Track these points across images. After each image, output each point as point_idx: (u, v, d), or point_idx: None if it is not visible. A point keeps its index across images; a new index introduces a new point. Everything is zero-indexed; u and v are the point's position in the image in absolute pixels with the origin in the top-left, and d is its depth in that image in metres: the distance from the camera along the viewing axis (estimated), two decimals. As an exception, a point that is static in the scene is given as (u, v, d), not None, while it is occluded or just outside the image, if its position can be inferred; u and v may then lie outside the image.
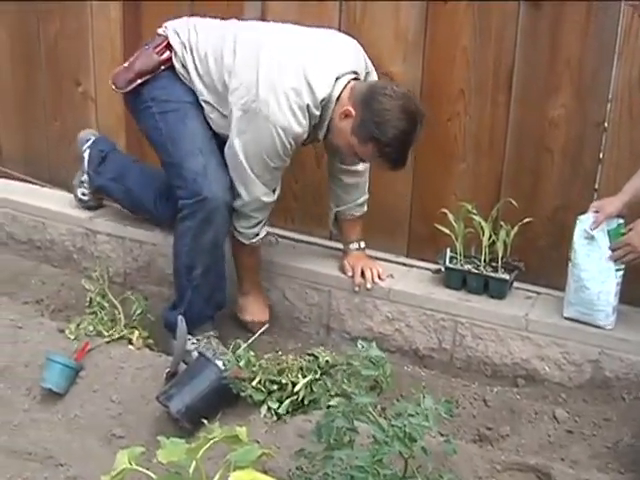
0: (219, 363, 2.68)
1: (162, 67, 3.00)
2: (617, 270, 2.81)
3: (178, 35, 3.00)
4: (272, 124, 2.73)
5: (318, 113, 2.78)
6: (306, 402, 2.64)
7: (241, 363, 2.64)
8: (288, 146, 2.79)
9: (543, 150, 3.04)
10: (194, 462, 1.91)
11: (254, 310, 3.24)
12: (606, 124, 2.93)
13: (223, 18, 3.11)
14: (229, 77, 2.84)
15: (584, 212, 2.85)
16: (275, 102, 2.71)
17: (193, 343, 3.09)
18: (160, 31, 3.07)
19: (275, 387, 2.66)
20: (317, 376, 2.66)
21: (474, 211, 2.98)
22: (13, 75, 4.03)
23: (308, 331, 3.30)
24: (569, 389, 2.91)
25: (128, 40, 3.63)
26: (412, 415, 1.95)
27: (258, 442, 2.52)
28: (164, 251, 3.50)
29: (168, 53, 3.00)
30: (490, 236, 2.99)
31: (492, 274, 3.01)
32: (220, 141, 2.97)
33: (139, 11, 3.60)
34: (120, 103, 3.35)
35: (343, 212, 3.22)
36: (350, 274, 3.17)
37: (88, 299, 3.25)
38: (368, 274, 3.14)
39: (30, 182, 4.06)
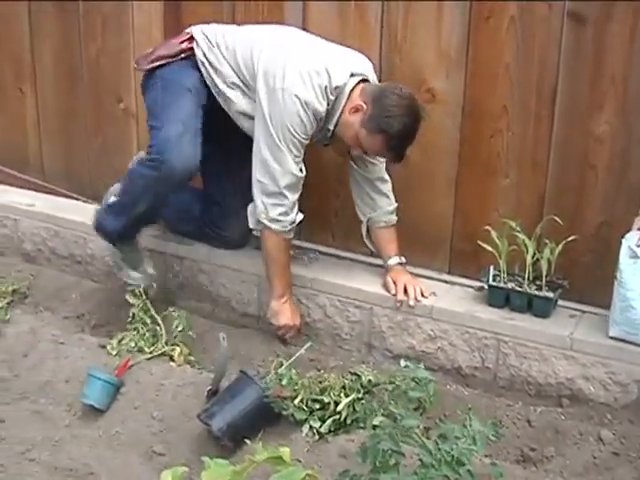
0: (261, 382, 2.68)
1: (182, 55, 3.23)
2: (664, 290, 2.77)
3: (203, 32, 3.24)
4: (297, 97, 2.94)
5: (333, 97, 2.99)
6: (348, 421, 2.63)
7: (283, 381, 2.63)
8: (311, 119, 2.98)
9: (587, 167, 3.00)
10: (238, 484, 1.90)
11: (288, 314, 3.25)
12: (651, 140, 2.90)
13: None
14: (257, 64, 3.06)
15: (629, 229, 2.81)
16: (300, 80, 2.95)
17: (119, 252, 3.40)
18: (187, 30, 3.28)
19: (317, 406, 2.65)
20: (360, 395, 2.65)
21: (518, 228, 2.94)
22: (56, 92, 4.07)
23: (349, 348, 3.27)
24: (615, 410, 2.86)
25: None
26: (459, 437, 1.92)
27: (300, 462, 2.52)
28: (205, 267, 3.53)
29: (189, 44, 3.23)
30: (534, 254, 2.96)
31: (536, 292, 2.97)
32: (224, 133, 3.23)
33: (179, 30, 3.61)
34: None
35: (373, 221, 3.26)
36: (393, 291, 3.16)
37: (130, 315, 3.27)
38: (411, 291, 3.13)
39: (72, 197, 4.10)
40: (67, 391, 3.04)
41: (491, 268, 3.05)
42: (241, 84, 3.15)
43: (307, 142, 3.05)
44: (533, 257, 2.97)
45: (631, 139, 2.92)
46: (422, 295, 3.14)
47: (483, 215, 3.16)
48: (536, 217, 3.05)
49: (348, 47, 3.16)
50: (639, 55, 2.83)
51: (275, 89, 2.98)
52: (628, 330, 2.82)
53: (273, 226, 3.10)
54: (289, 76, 2.96)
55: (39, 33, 4.05)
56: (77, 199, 4.08)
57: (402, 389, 2.21)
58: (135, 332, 3.22)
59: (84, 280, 3.75)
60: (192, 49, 3.22)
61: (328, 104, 3.00)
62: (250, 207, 3.16)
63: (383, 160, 3.19)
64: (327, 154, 3.38)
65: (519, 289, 2.99)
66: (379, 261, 3.34)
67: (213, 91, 3.22)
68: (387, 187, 3.26)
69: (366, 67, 3.11)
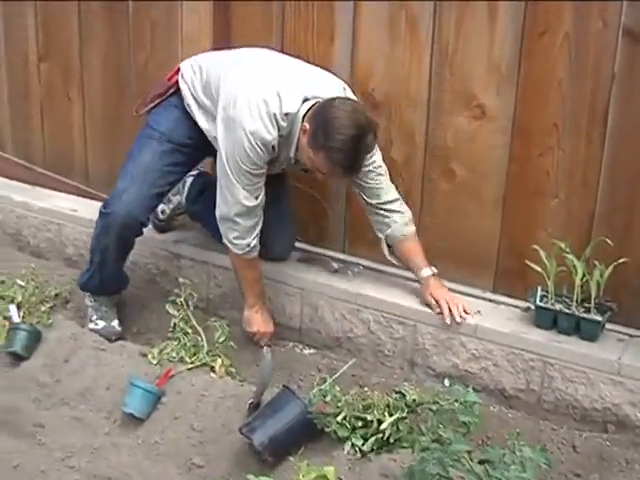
0: (304, 397, 2.67)
1: (171, 90, 3.39)
2: None
3: (190, 63, 3.37)
4: (243, 129, 2.99)
5: (285, 124, 3.01)
6: (391, 440, 2.61)
7: (327, 398, 2.61)
8: (258, 150, 3.00)
9: (638, 187, 2.95)
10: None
11: (259, 322, 3.36)
12: None
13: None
14: (221, 90, 3.14)
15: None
16: (248, 110, 2.99)
17: (90, 300, 3.53)
18: (180, 64, 3.42)
19: (360, 424, 2.64)
20: (404, 414, 2.62)
21: (567, 249, 2.90)
22: (103, 99, 4.09)
23: (392, 365, 3.24)
24: (662, 438, 2.82)
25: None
26: (507, 464, 1.89)
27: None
28: (248, 279, 3.51)
29: (176, 77, 3.37)
30: (583, 275, 2.91)
31: (584, 315, 2.92)
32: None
33: (229, 40, 3.62)
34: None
35: (391, 238, 3.23)
36: (438, 310, 3.12)
37: (172, 324, 3.27)
38: (455, 310, 3.09)
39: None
40: (107, 398, 3.05)
41: (539, 288, 3.00)
42: (212, 109, 3.23)
43: (261, 171, 3.08)
44: (582, 279, 2.92)
45: (685, 159, 2.88)
46: (465, 312, 3.11)
47: (531, 234, 3.11)
48: (585, 238, 3.00)
49: (318, 67, 3.24)
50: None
51: (226, 118, 3.07)
52: (678, 356, 2.77)
53: (231, 247, 3.23)
54: (238, 106, 3.02)
55: (88, 40, 4.07)
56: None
57: (447, 410, 2.18)
58: (176, 342, 3.23)
59: (133, 288, 3.74)
60: (177, 82, 3.36)
61: (280, 131, 3.01)
62: None
63: (381, 182, 3.17)
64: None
65: (567, 311, 2.95)
66: (424, 277, 3.31)
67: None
68: (396, 205, 3.21)
69: (326, 89, 3.07)
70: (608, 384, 2.85)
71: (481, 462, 2.06)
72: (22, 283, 3.65)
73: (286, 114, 2.99)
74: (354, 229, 3.51)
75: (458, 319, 3.08)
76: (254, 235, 3.20)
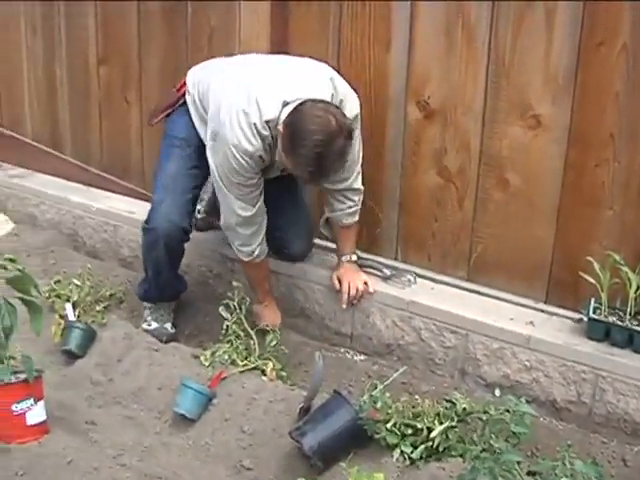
0: (354, 403, 2.67)
1: (180, 101, 3.47)
2: None
3: (193, 74, 3.45)
4: (225, 143, 3.03)
5: (267, 133, 3.02)
6: (441, 449, 2.60)
7: (377, 404, 2.62)
8: (243, 162, 3.03)
9: (694, 200, 2.93)
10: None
11: (267, 315, 3.49)
12: None
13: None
14: (210, 103, 3.21)
15: None
16: (228, 123, 3.02)
17: (149, 304, 3.61)
18: (189, 72, 3.50)
19: (409, 431, 2.63)
20: (454, 423, 2.61)
21: (622, 262, 2.88)
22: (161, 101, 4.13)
23: (442, 374, 3.24)
24: None
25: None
26: (558, 476, 1.88)
27: (390, 486, 2.51)
28: (301, 284, 3.56)
29: (183, 90, 3.45)
30: (637, 288, 2.88)
31: (637, 328, 2.89)
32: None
33: (286, 43, 3.65)
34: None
35: (335, 219, 3.40)
36: (337, 288, 3.38)
37: (224, 327, 3.30)
38: (352, 292, 3.35)
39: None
40: (159, 398, 3.08)
41: (592, 300, 2.98)
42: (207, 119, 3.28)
43: (252, 181, 3.12)
44: (636, 291, 2.89)
45: None
46: (362, 289, 3.35)
47: (585, 245, 3.09)
48: (640, 249, 2.98)
49: (306, 60, 3.27)
50: None
51: (212, 132, 3.13)
52: None
53: (237, 253, 3.37)
54: (221, 119, 3.06)
55: (147, 43, 4.13)
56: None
57: (499, 420, 2.18)
58: (228, 345, 3.25)
59: (188, 291, 3.78)
60: (184, 94, 3.45)
61: (263, 139, 3.02)
62: None
63: (352, 171, 3.26)
64: (427, 178, 3.37)
65: (620, 324, 2.92)
66: (476, 286, 3.34)
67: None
68: (354, 194, 3.35)
69: (309, 88, 3.04)
70: (660, 398, 2.82)
71: (530, 473, 2.06)
72: (78, 283, 3.70)
73: (267, 121, 3.00)
74: (407, 236, 3.52)
75: (344, 305, 3.38)
76: (257, 242, 3.29)
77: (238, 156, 3.02)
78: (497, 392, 2.48)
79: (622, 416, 2.90)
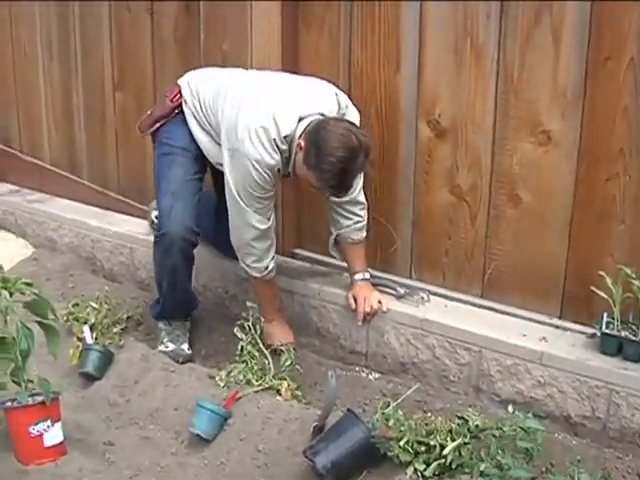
0: (367, 421, 2.68)
1: (175, 111, 3.52)
2: None
3: (189, 86, 3.50)
4: (248, 158, 3.12)
5: (285, 147, 3.14)
6: (454, 466, 2.59)
7: (390, 422, 2.62)
8: (265, 176, 3.14)
9: None
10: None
11: (279, 334, 3.50)
12: None
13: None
14: (221, 121, 3.29)
15: None
16: (249, 140, 3.11)
17: (164, 324, 3.61)
18: (179, 81, 3.57)
19: (423, 448, 2.63)
20: (466, 440, 2.61)
21: (634, 275, 2.87)
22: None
23: (456, 391, 3.24)
24: None
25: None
26: (567, 491, 1.88)
27: (403, 504, 2.51)
28: (315, 303, 3.57)
29: (179, 99, 3.50)
30: (650, 302, 2.88)
31: (650, 342, 2.89)
32: (214, 179, 3.59)
33: (298, 65, 3.69)
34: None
35: (342, 237, 3.44)
36: (353, 307, 3.38)
37: (239, 348, 3.31)
38: (367, 309, 3.37)
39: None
40: (175, 419, 3.10)
41: (604, 315, 2.98)
42: (212, 131, 3.40)
43: (271, 193, 3.24)
44: (649, 306, 2.89)
45: None
46: (376, 307, 3.37)
47: (597, 260, 3.08)
48: (652, 263, 2.97)
49: (307, 77, 3.42)
50: None
51: (231, 149, 3.20)
52: None
53: (249, 271, 3.41)
54: (240, 136, 3.14)
55: (161, 70, 4.19)
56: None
57: (510, 437, 2.17)
58: (243, 365, 3.26)
59: (195, 310, 3.81)
60: (180, 104, 3.51)
61: (281, 153, 3.15)
62: None
63: (357, 185, 3.32)
64: (439, 196, 3.38)
65: (633, 338, 2.91)
66: (491, 303, 3.34)
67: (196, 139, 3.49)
68: (358, 208, 3.41)
69: (319, 103, 3.21)
70: (675, 413, 2.81)
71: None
72: (95, 305, 3.73)
73: (285, 137, 3.13)
74: (421, 254, 3.53)
75: (360, 323, 3.39)
76: (271, 257, 3.37)
77: (261, 170, 3.12)
78: (510, 408, 2.46)
79: (637, 430, 2.88)
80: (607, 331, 2.95)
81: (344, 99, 3.29)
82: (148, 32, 4.18)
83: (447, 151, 3.34)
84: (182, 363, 3.46)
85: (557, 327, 3.19)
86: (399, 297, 3.43)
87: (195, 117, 3.46)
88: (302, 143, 3.10)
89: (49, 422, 2.77)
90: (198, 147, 3.48)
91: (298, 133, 3.13)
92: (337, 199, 3.30)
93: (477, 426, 2.65)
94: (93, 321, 3.63)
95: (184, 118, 3.50)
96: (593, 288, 2.98)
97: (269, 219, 3.29)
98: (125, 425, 3.10)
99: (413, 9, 3.31)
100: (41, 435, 2.76)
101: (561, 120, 3.07)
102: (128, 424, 3.11)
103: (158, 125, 3.57)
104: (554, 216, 3.16)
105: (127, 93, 4.35)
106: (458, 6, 3.20)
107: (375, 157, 3.54)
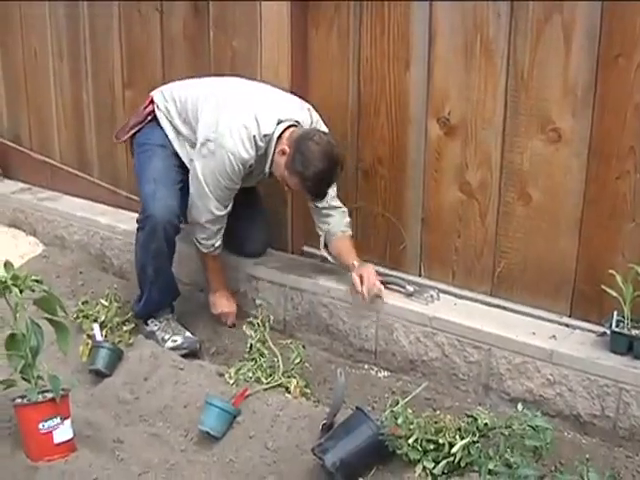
0: (376, 419, 2.68)
1: (149, 117, 3.71)
2: None
3: (162, 93, 3.72)
4: (225, 150, 3.36)
5: (263, 145, 3.39)
6: (462, 464, 2.59)
7: (399, 420, 2.62)
8: (236, 168, 3.38)
9: None
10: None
11: (222, 303, 3.75)
12: None
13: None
14: (200, 115, 3.51)
15: None
16: (229, 133, 3.36)
17: (155, 324, 3.68)
18: (151, 92, 3.76)
19: (431, 446, 2.62)
20: (475, 438, 2.61)
21: (644, 273, 2.86)
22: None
23: (466, 389, 3.23)
24: None
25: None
26: (576, 489, 1.88)
27: (412, 502, 2.51)
28: (325, 301, 3.56)
29: (152, 106, 3.71)
30: (660, 301, 2.87)
31: (661, 341, 2.87)
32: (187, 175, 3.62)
33: (306, 67, 3.70)
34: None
35: (330, 234, 3.57)
36: (359, 288, 3.38)
37: (249, 345, 3.32)
38: (373, 280, 3.40)
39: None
40: (184, 416, 3.11)
41: (614, 313, 2.96)
42: (189, 137, 3.59)
43: (237, 185, 3.48)
44: (659, 304, 2.88)
45: None
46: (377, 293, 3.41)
47: (607, 258, 3.07)
48: (663, 262, 2.95)
49: (282, 90, 3.60)
50: None
51: (206, 140, 3.42)
52: None
53: (198, 246, 3.64)
54: (220, 130, 3.38)
55: (171, 67, 4.20)
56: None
57: (519, 436, 2.17)
58: (252, 362, 3.28)
59: (206, 308, 3.82)
60: (153, 111, 3.70)
61: (258, 151, 3.39)
62: None
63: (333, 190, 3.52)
64: (449, 194, 3.38)
65: (643, 336, 2.91)
66: (500, 301, 3.33)
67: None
68: (337, 210, 3.57)
69: (295, 112, 3.47)
70: (685, 411, 2.79)
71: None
72: (105, 303, 3.74)
73: (264, 135, 3.38)
74: (430, 252, 3.52)
75: (366, 295, 3.38)
76: (219, 237, 3.60)
77: (234, 163, 3.36)
78: (519, 407, 2.46)
79: (647, 429, 2.88)
80: (617, 330, 2.94)
81: (315, 114, 3.55)
82: (157, 30, 4.19)
83: (457, 149, 3.34)
84: (199, 348, 3.63)
85: (567, 325, 3.18)
86: (408, 295, 3.43)
87: (167, 119, 3.66)
88: (286, 148, 3.35)
89: (59, 419, 2.77)
90: (174, 147, 3.67)
91: (276, 134, 3.39)
92: (318, 204, 3.52)
93: (486, 424, 2.65)
94: (103, 318, 3.65)
95: (158, 123, 3.68)
96: (603, 286, 2.97)
97: (226, 207, 3.52)
98: (134, 422, 3.11)
99: (423, 7, 3.31)
100: (51, 432, 2.75)
101: (571, 118, 3.06)
102: (137, 421, 3.12)
103: (133, 132, 3.76)
104: (564, 214, 3.15)
105: (137, 91, 4.35)
106: (468, 4, 3.19)
107: (385, 155, 3.56)
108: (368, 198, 3.65)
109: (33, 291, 2.82)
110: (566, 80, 3.04)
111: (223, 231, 3.60)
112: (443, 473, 2.60)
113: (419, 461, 2.62)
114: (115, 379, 3.32)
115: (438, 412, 2.86)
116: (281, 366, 3.24)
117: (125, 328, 3.65)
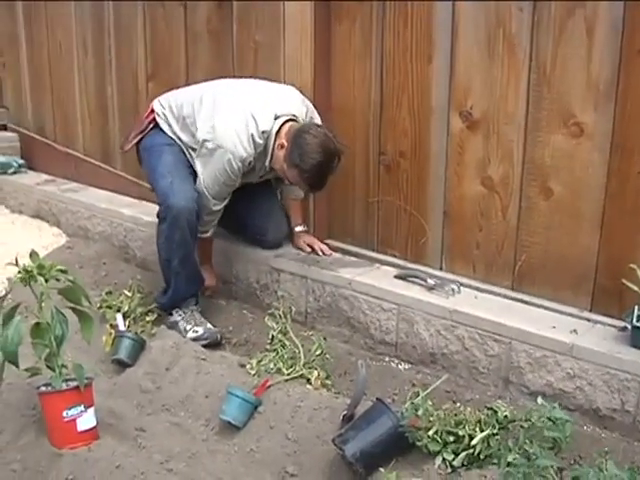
0: (396, 411, 2.69)
1: (150, 125, 3.83)
2: None
3: (160, 101, 3.83)
4: (224, 149, 3.47)
5: (261, 142, 3.51)
6: (482, 456, 2.59)
7: (419, 412, 2.63)
8: (235, 166, 3.49)
9: None
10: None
11: (206, 277, 3.84)
12: None
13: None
14: (197, 118, 3.63)
15: None
16: (227, 132, 3.48)
17: (180, 315, 3.72)
18: (152, 102, 3.88)
19: (451, 439, 2.63)
20: (495, 431, 2.61)
21: (665, 269, 2.86)
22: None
23: (486, 382, 3.23)
24: None
25: (318, 96, 3.75)
26: (593, 480, 1.88)
27: (431, 494, 2.51)
28: (346, 293, 3.58)
29: (152, 115, 3.83)
30: (681, 296, 2.86)
31: (681, 336, 2.87)
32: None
33: (329, 60, 3.71)
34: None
35: (286, 192, 3.98)
36: (308, 250, 3.87)
37: (270, 336, 3.34)
38: (318, 249, 3.86)
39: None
40: (206, 406, 3.12)
41: (635, 308, 2.96)
42: (189, 144, 3.69)
43: (235, 182, 3.60)
44: (680, 299, 2.87)
45: None
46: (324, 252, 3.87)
47: (629, 253, 3.07)
48: (685, 256, 2.95)
49: (276, 83, 3.74)
50: None
51: (206, 139, 3.53)
52: None
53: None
54: (217, 129, 3.49)
55: (194, 60, 4.22)
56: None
57: (538, 428, 2.17)
58: (274, 353, 3.29)
59: (229, 300, 3.84)
60: (154, 119, 3.82)
61: (257, 149, 3.51)
62: None
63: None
64: (471, 188, 3.39)
65: (664, 331, 2.90)
66: (521, 295, 3.34)
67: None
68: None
69: (291, 106, 3.59)
70: None
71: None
72: (128, 294, 3.79)
73: (263, 132, 3.50)
74: (452, 246, 3.53)
75: (322, 253, 3.85)
76: (214, 225, 3.74)
77: (232, 160, 3.47)
78: (539, 400, 2.46)
79: (667, 425, 2.87)
80: (638, 324, 2.93)
81: (310, 105, 3.68)
82: (181, 24, 4.22)
83: (479, 143, 3.35)
84: (220, 341, 3.66)
85: (588, 320, 3.18)
86: (430, 288, 3.44)
87: (168, 124, 3.77)
88: (284, 143, 3.47)
89: (82, 407, 2.80)
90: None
91: (275, 130, 3.51)
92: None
93: (506, 417, 2.64)
94: (126, 309, 3.69)
95: (160, 129, 3.79)
96: (624, 281, 2.97)
97: (224, 201, 3.65)
98: (156, 411, 3.13)
99: (446, 3, 3.32)
100: (74, 420, 2.78)
101: (594, 112, 3.06)
102: (159, 410, 3.13)
103: (137, 140, 3.86)
104: (586, 208, 3.15)
105: (160, 83, 4.39)
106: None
107: (407, 149, 3.56)
108: (390, 192, 3.67)
109: (58, 281, 2.85)
110: (589, 74, 3.04)
111: (216, 222, 3.73)
112: (462, 465, 2.60)
113: (439, 453, 2.63)
114: (137, 369, 3.34)
115: (458, 404, 2.87)
116: (302, 357, 3.26)
117: (148, 318, 3.69)
